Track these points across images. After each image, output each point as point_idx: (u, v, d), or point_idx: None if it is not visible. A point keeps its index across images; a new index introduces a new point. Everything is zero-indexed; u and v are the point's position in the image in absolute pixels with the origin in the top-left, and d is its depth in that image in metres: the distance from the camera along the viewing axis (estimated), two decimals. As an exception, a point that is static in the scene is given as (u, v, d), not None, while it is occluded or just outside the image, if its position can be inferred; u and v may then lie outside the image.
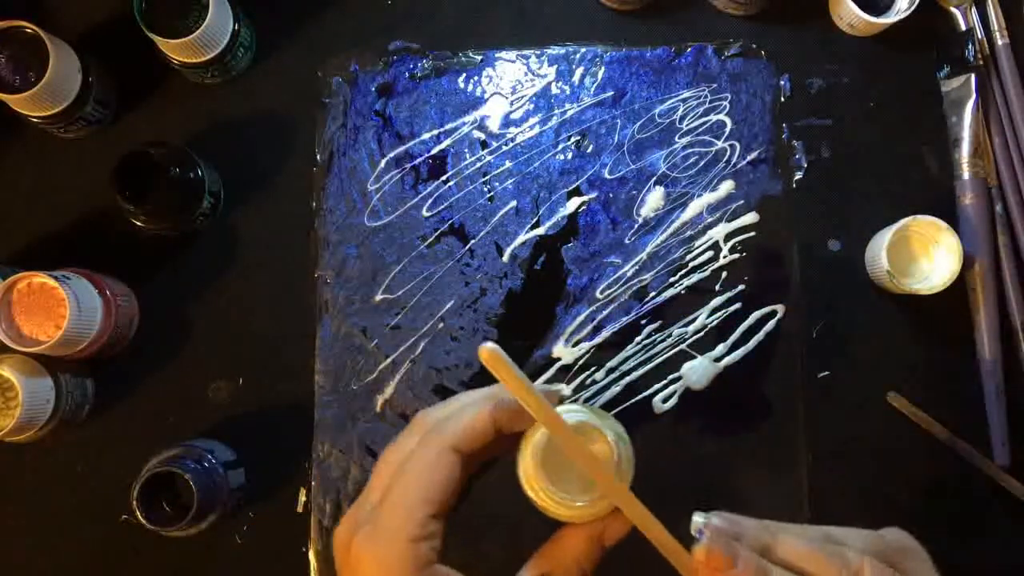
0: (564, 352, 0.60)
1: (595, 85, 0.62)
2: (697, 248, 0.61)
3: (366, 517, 0.34)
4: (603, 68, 0.62)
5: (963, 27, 0.62)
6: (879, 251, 0.57)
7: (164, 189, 0.57)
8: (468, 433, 0.35)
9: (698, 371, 0.59)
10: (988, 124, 0.61)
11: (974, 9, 0.62)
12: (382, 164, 0.62)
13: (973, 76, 0.60)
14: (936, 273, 0.57)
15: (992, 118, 0.61)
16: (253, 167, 0.62)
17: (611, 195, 0.61)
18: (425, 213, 0.61)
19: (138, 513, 0.52)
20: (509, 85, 0.62)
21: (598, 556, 0.36)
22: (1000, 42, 0.61)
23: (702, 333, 0.60)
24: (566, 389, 0.41)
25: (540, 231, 0.61)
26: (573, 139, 0.62)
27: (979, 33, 0.61)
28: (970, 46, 0.60)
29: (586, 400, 0.59)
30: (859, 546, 0.34)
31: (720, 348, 0.59)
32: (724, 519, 0.36)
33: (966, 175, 0.60)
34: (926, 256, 0.59)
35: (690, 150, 0.61)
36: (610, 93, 0.62)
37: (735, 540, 0.35)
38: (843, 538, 0.35)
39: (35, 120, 0.57)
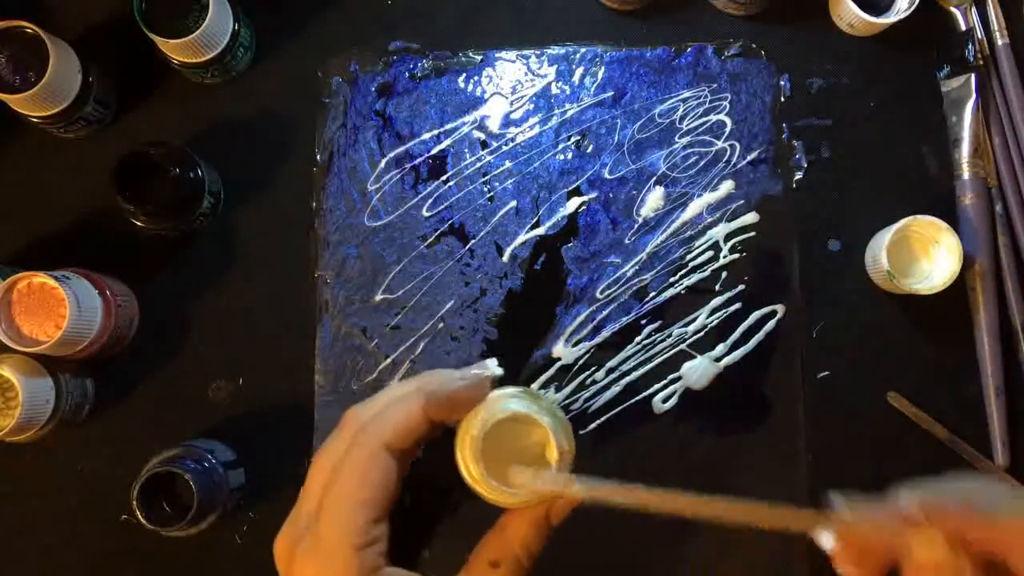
0: (564, 352, 0.60)
1: (595, 85, 0.62)
2: (697, 248, 0.61)
3: (305, 528, 0.33)
4: (603, 68, 0.62)
5: (963, 27, 0.62)
6: (879, 251, 0.57)
7: (164, 189, 0.57)
8: (401, 430, 0.34)
9: (698, 371, 0.59)
10: (988, 124, 0.61)
11: (974, 9, 0.62)
12: (382, 164, 0.62)
13: (973, 76, 0.60)
14: (936, 273, 0.57)
15: (992, 118, 0.61)
16: (253, 167, 0.62)
17: (611, 195, 0.61)
18: (425, 213, 0.61)
19: (138, 513, 0.52)
20: (509, 85, 0.62)
21: (544, 537, 0.36)
22: (1000, 42, 0.61)
23: (702, 333, 0.60)
24: (496, 367, 0.39)
25: (540, 231, 0.61)
26: (573, 139, 0.62)
27: (979, 33, 0.61)
28: (970, 46, 0.60)
29: (586, 400, 0.59)
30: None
31: (720, 348, 0.59)
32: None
33: (966, 175, 0.60)
34: (926, 256, 0.59)
35: (690, 150, 0.61)
36: (610, 93, 0.62)
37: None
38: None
39: (35, 120, 0.57)
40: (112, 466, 0.58)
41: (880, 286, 0.60)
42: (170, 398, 0.59)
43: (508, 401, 0.36)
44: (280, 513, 0.58)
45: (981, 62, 0.60)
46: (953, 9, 0.62)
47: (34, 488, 0.58)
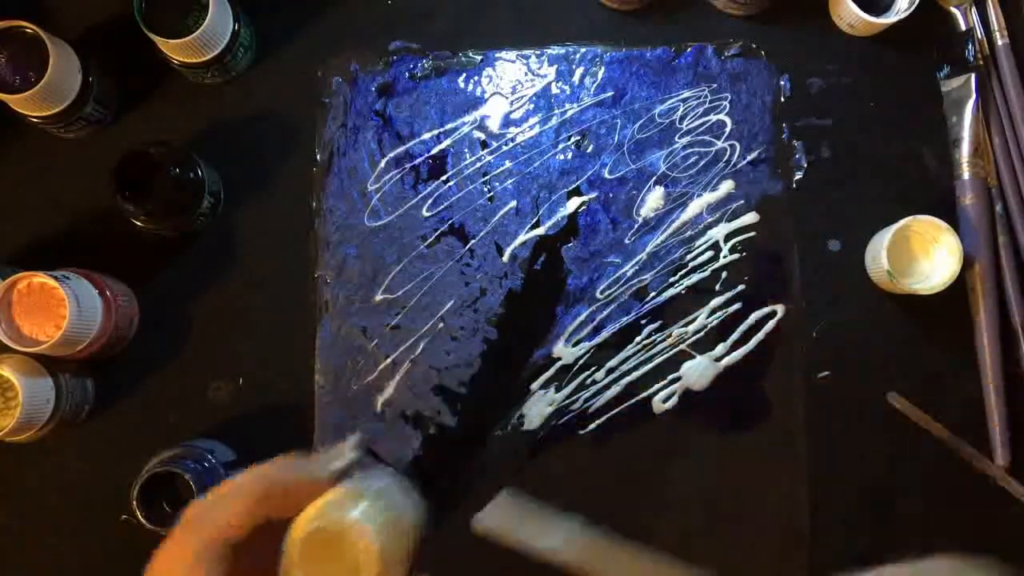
0: (564, 352, 0.60)
1: (595, 85, 0.62)
2: (697, 248, 0.61)
3: None
4: (603, 68, 0.62)
5: (963, 27, 0.62)
6: (879, 251, 0.57)
7: (164, 189, 0.57)
8: (234, 523, 0.32)
9: (698, 371, 0.59)
10: (988, 124, 0.61)
11: (974, 9, 0.62)
12: (382, 164, 0.62)
13: (973, 76, 0.60)
14: (936, 273, 0.57)
15: (992, 118, 0.61)
16: (253, 167, 0.62)
17: (611, 195, 0.61)
18: (425, 213, 0.61)
19: (138, 513, 0.52)
20: (509, 85, 0.62)
21: None
22: (1000, 42, 0.61)
23: (702, 333, 0.60)
24: (351, 451, 0.37)
25: (540, 231, 0.61)
26: (573, 139, 0.62)
27: (979, 33, 0.61)
28: (970, 46, 0.60)
29: (586, 400, 0.59)
30: None
31: (720, 348, 0.59)
32: None
33: (966, 175, 0.60)
34: (926, 256, 0.59)
35: (690, 150, 0.62)
36: (610, 93, 0.62)
37: None
38: None
39: (35, 120, 0.57)
40: (112, 466, 0.58)
41: (880, 286, 0.60)
42: (170, 398, 0.59)
43: (338, 505, 0.32)
44: (280, 513, 0.58)
45: (981, 62, 0.60)
46: (953, 9, 0.62)
47: (34, 488, 0.58)
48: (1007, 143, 0.60)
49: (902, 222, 0.56)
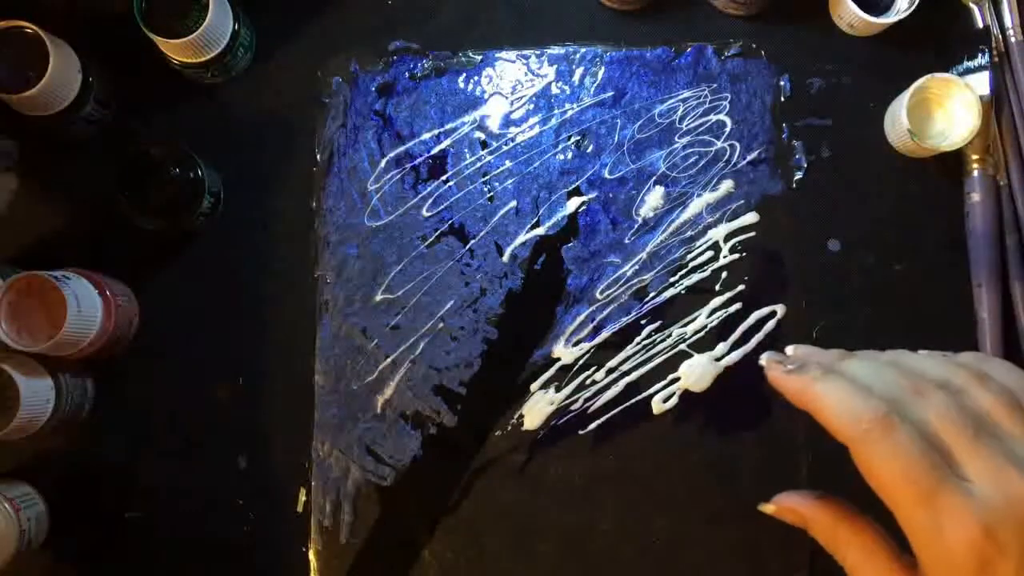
0: (564, 352, 0.60)
1: (595, 85, 0.62)
2: (697, 248, 0.61)
3: None
4: (603, 68, 0.62)
5: (980, 24, 0.61)
6: (899, 113, 0.58)
7: (164, 189, 0.57)
8: None
9: (698, 371, 0.59)
10: (1000, 121, 0.60)
11: (989, 5, 0.61)
12: (382, 164, 0.62)
13: (987, 73, 0.60)
14: (955, 130, 0.58)
15: (1004, 115, 0.61)
16: (253, 167, 0.62)
17: (611, 195, 0.61)
18: (425, 213, 0.61)
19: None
20: (509, 85, 0.62)
21: None
22: (1014, 39, 0.61)
23: (702, 333, 0.60)
24: None
25: (540, 231, 0.61)
26: (573, 139, 0.62)
27: (995, 30, 0.61)
28: (986, 43, 0.60)
29: (586, 400, 0.59)
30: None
31: (720, 348, 0.59)
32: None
33: (975, 172, 0.60)
34: (944, 115, 0.60)
35: (690, 150, 0.62)
36: (610, 93, 0.62)
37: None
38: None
39: (35, 120, 0.57)
40: (111, 467, 0.59)
41: (902, 152, 0.60)
42: (170, 398, 0.59)
43: None
44: (280, 513, 0.58)
45: (996, 59, 0.60)
46: (972, 5, 0.61)
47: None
48: (1018, 140, 0.60)
49: (918, 82, 0.58)
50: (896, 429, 0.32)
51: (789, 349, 0.38)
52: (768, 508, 0.37)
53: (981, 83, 0.59)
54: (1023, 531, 0.30)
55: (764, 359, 0.37)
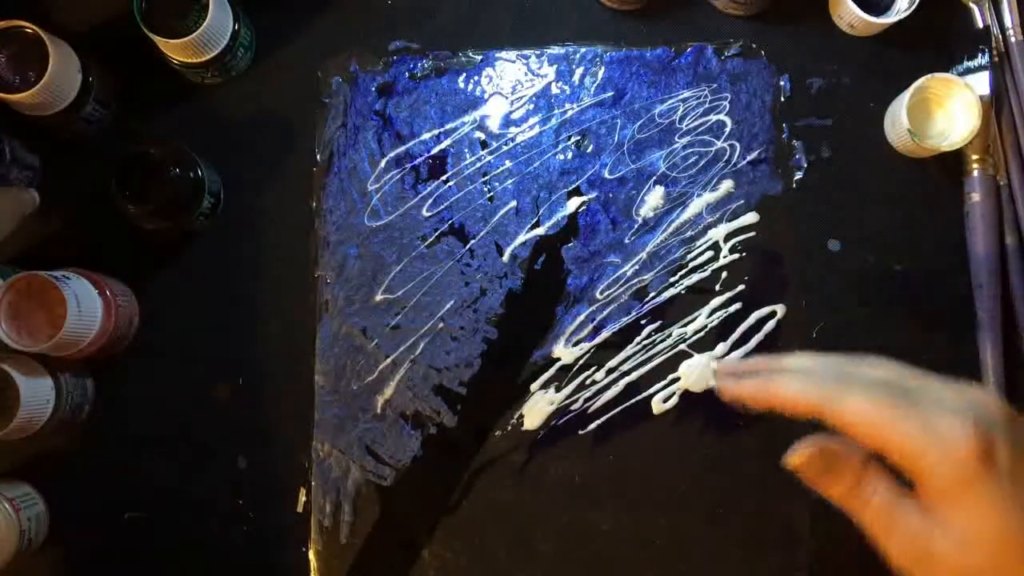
0: (564, 352, 0.60)
1: (595, 85, 0.62)
2: (697, 248, 0.61)
3: None
4: (603, 68, 0.62)
5: (980, 24, 0.61)
6: (899, 113, 0.58)
7: (164, 189, 0.57)
8: None
9: (698, 371, 0.59)
10: (1000, 121, 0.60)
11: (989, 5, 0.61)
12: (382, 164, 0.62)
13: (987, 73, 0.60)
14: (955, 129, 0.58)
15: (1004, 115, 0.61)
16: (253, 167, 0.62)
17: (611, 195, 0.61)
18: (425, 213, 0.61)
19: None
20: (509, 85, 0.62)
21: None
22: (1014, 39, 0.61)
23: (702, 333, 0.60)
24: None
25: (540, 231, 0.61)
26: (573, 139, 0.62)
27: (995, 30, 0.61)
28: (986, 43, 0.60)
29: (586, 400, 0.59)
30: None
31: (720, 348, 0.59)
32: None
33: (975, 172, 0.60)
34: (944, 115, 0.60)
35: (690, 150, 0.62)
36: (610, 93, 0.62)
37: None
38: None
39: (35, 120, 0.57)
40: (112, 466, 0.59)
41: (903, 152, 0.60)
42: (170, 398, 0.59)
43: None
44: (280, 513, 0.58)
45: (996, 59, 0.60)
46: (972, 5, 0.61)
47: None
48: (1018, 140, 0.60)
49: (918, 82, 0.58)
50: (852, 382, 0.36)
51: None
52: (794, 460, 0.38)
53: (981, 83, 0.59)
54: (1002, 422, 0.34)
55: (715, 378, 0.42)
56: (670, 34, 0.63)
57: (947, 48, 0.61)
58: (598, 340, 0.60)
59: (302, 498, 0.59)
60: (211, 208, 0.60)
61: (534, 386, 0.59)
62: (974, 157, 0.60)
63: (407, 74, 0.62)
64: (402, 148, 0.62)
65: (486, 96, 0.62)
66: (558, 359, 0.60)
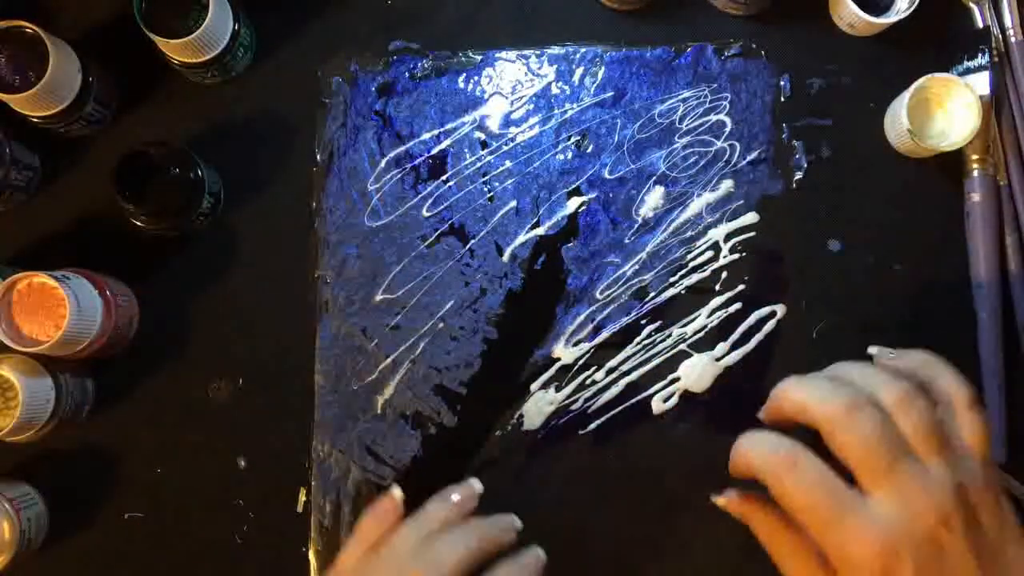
0: (564, 352, 0.60)
1: (595, 85, 0.62)
2: (697, 248, 0.61)
3: None
4: (603, 68, 0.62)
5: (980, 24, 0.61)
6: (899, 112, 0.57)
7: (164, 189, 0.57)
8: None
9: (698, 371, 0.59)
10: (1000, 121, 0.60)
11: (989, 5, 0.61)
12: (382, 164, 0.62)
13: (987, 73, 0.60)
14: (955, 129, 0.58)
15: (1004, 115, 0.61)
16: (253, 167, 0.62)
17: (611, 195, 0.61)
18: (425, 213, 0.61)
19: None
20: (509, 85, 0.62)
21: None
22: (1014, 39, 0.61)
23: (702, 333, 0.60)
24: (478, 485, 0.51)
25: (540, 231, 0.61)
26: (573, 139, 0.62)
27: (995, 30, 0.61)
28: (986, 43, 0.60)
29: (586, 400, 0.59)
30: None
31: (720, 348, 0.59)
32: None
33: (975, 172, 0.60)
34: (944, 115, 0.59)
35: (690, 150, 0.62)
36: (610, 93, 0.62)
37: None
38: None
39: (35, 120, 0.57)
40: (111, 467, 0.59)
41: (903, 152, 0.60)
42: (170, 398, 0.59)
43: None
44: (280, 513, 0.58)
45: (996, 59, 0.60)
46: (972, 5, 0.61)
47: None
48: (1018, 140, 0.60)
49: (918, 82, 0.58)
50: (800, 464, 0.38)
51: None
52: (720, 501, 0.43)
53: (981, 83, 0.59)
54: (920, 544, 0.36)
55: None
56: (670, 34, 0.63)
57: (947, 48, 0.61)
58: (598, 340, 0.60)
59: (302, 498, 0.59)
60: (211, 208, 0.60)
61: (534, 386, 0.59)
62: (974, 157, 0.60)
63: (407, 74, 0.63)
64: (402, 148, 0.62)
65: (486, 96, 0.62)
66: (558, 359, 0.60)
